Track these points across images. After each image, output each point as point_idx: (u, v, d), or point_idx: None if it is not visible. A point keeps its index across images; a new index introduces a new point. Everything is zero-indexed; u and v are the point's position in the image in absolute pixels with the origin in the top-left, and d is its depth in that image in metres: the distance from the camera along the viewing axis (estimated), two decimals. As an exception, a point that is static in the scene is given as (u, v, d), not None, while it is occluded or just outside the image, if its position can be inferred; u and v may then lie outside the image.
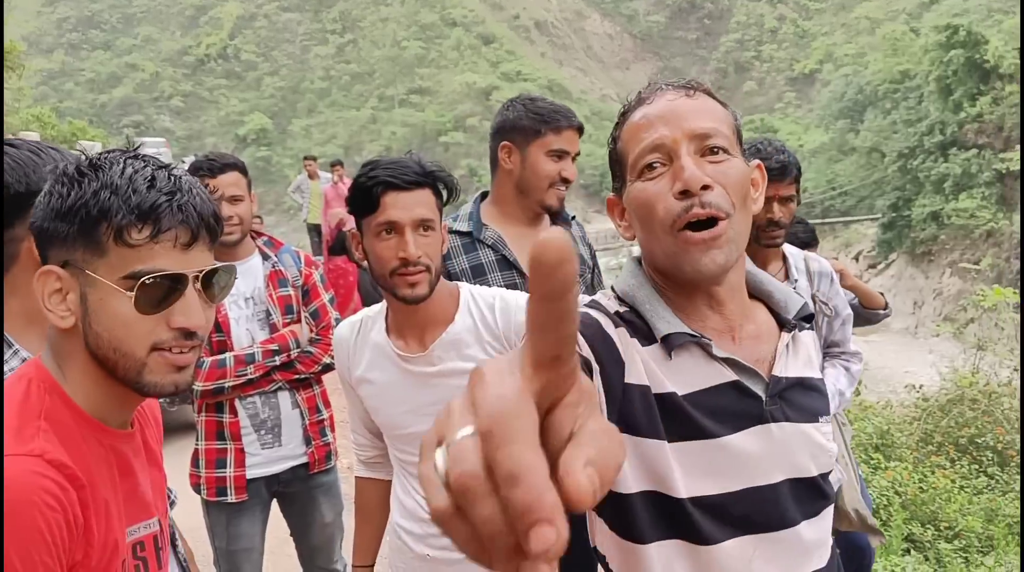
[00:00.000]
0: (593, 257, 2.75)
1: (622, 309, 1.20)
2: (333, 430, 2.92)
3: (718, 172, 1.11)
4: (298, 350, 2.75)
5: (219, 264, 1.18)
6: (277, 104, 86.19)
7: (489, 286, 2.02)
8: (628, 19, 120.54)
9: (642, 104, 1.18)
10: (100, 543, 1.07)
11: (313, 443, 2.79)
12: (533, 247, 0.42)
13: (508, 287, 2.23)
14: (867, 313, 3.36)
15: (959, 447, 8.56)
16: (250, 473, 2.71)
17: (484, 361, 0.48)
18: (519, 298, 1.89)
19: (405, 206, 1.72)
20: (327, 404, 2.91)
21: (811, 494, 1.18)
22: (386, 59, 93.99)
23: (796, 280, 2.75)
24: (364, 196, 1.73)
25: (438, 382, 1.83)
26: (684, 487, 1.11)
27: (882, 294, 3.36)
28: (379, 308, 1.95)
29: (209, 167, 2.67)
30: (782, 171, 2.58)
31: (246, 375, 2.65)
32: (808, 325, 1.28)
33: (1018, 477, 7.78)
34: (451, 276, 2.37)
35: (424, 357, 1.83)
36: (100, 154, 1.12)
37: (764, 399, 1.16)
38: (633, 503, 1.13)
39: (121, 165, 1.09)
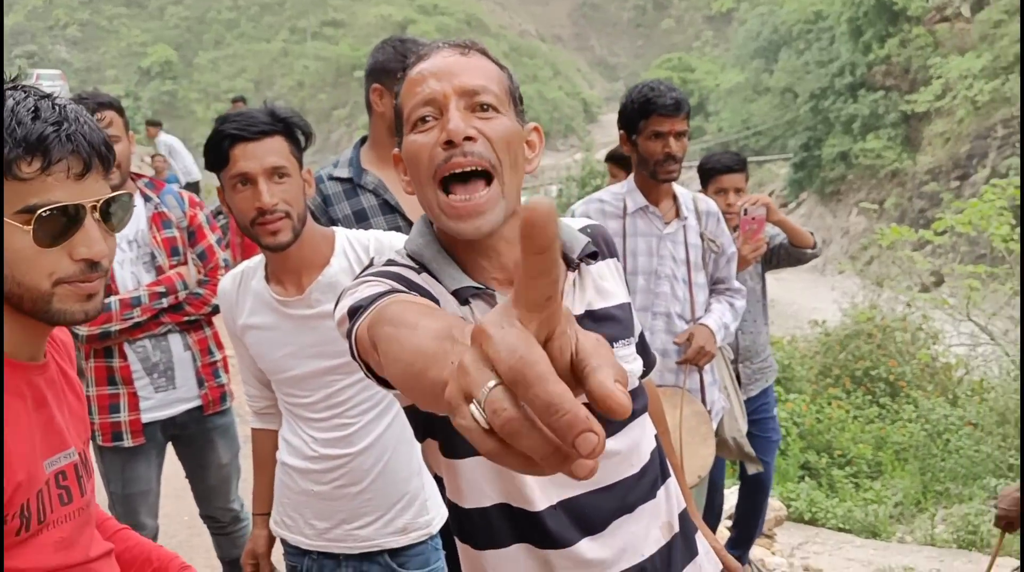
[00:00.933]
0: None
1: (403, 270, 1.23)
2: (227, 372, 2.92)
3: (484, 126, 1.16)
4: (186, 292, 2.73)
5: (116, 193, 1.17)
6: (182, 35, 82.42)
7: (370, 228, 2.08)
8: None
9: (420, 61, 1.22)
10: (26, 484, 1.09)
11: (206, 385, 2.80)
12: (524, 210, 0.52)
13: (392, 229, 2.25)
14: (796, 252, 3.39)
15: (855, 379, 8.97)
16: (145, 417, 2.70)
17: (478, 321, 0.57)
18: (394, 239, 1.93)
19: (255, 156, 1.75)
20: (220, 346, 2.91)
21: None
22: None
23: (686, 218, 2.80)
24: (215, 151, 1.77)
25: (317, 324, 1.88)
26: None
27: (812, 233, 3.39)
28: (260, 258, 1.98)
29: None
30: (676, 106, 2.68)
31: (132, 318, 2.63)
32: (594, 260, 1.33)
33: (908, 407, 8.19)
34: (333, 222, 2.38)
35: (302, 300, 1.89)
36: None
37: None
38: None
39: (14, 104, 1.07)
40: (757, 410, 3.57)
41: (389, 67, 2.37)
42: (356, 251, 1.93)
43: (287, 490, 2.00)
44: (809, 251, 3.33)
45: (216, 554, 3.15)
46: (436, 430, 1.24)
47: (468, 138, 1.14)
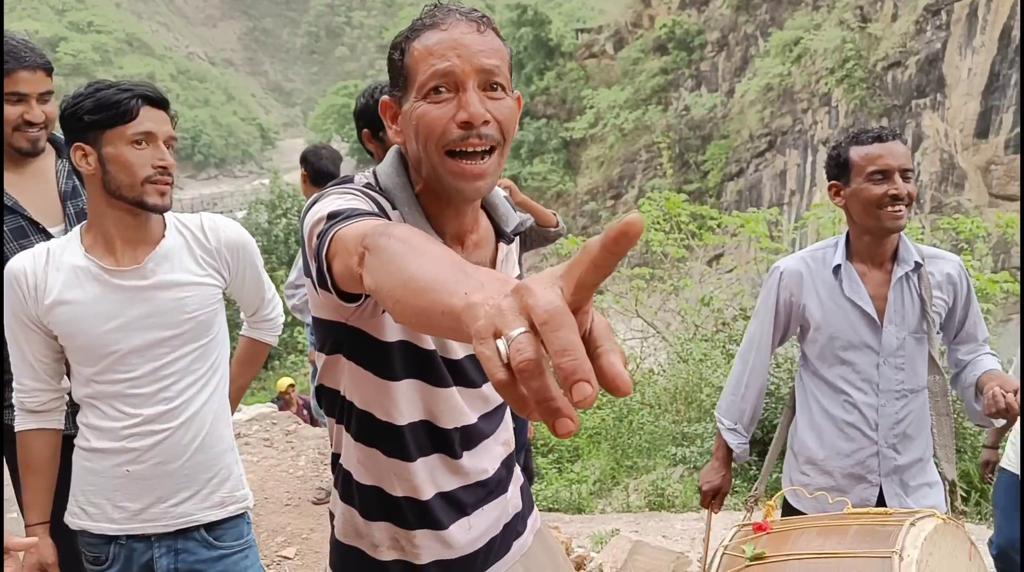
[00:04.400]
0: None
1: (381, 200, 1.33)
2: None
3: (495, 108, 1.27)
4: None
5: None
6: None
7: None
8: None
9: (436, 28, 1.28)
10: None
11: None
12: (626, 221, 0.63)
13: (13, 232, 2.21)
14: (543, 231, 3.51)
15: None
16: None
17: (526, 280, 0.67)
18: (221, 218, 2.05)
19: (161, 120, 1.86)
20: None
21: None
22: (-87, -4, 78.74)
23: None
24: (116, 107, 1.79)
25: (151, 296, 1.90)
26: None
27: (555, 214, 3.46)
28: (64, 238, 1.95)
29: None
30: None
31: None
32: (515, 237, 1.51)
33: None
34: None
35: (137, 270, 1.89)
36: None
37: None
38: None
39: None
40: None
41: None
42: (190, 229, 1.98)
43: (92, 477, 1.94)
44: (553, 230, 3.40)
45: None
46: (368, 353, 1.36)
47: (485, 122, 1.25)
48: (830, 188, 2.40)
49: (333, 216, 1.14)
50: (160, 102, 1.87)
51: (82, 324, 1.87)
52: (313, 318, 1.41)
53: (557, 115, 41.52)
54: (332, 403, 1.46)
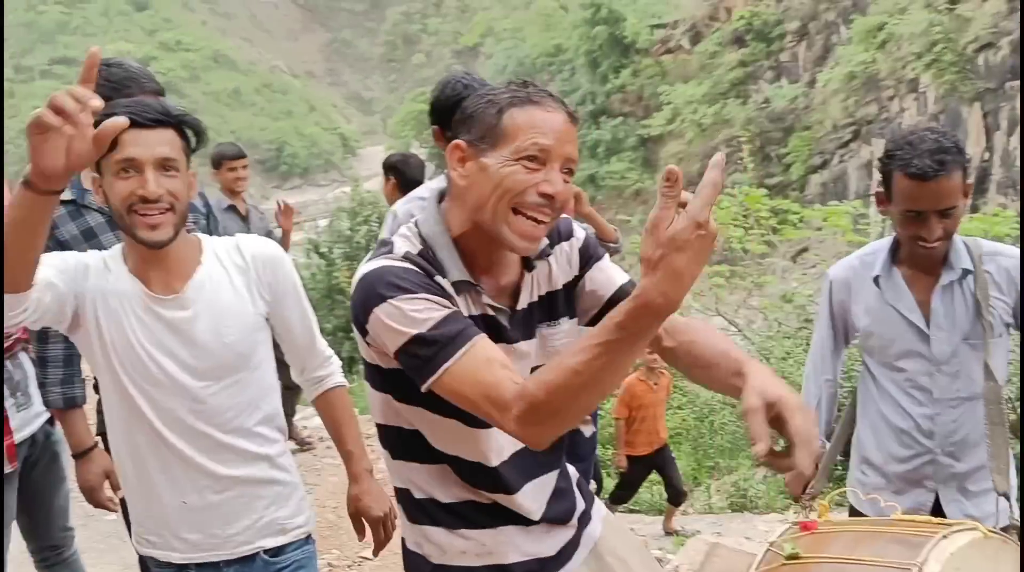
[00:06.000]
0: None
1: (423, 248, 1.54)
2: None
3: (566, 190, 1.49)
4: None
5: None
6: None
7: (103, 249, 1.95)
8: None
9: (539, 106, 1.48)
10: None
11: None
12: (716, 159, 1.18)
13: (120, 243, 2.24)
14: (603, 245, 3.52)
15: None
16: (16, 437, 2.60)
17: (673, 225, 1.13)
18: (254, 237, 1.98)
19: (146, 143, 1.70)
20: None
21: None
22: (20, 26, 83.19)
23: None
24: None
25: (188, 326, 1.81)
26: None
27: (616, 230, 3.51)
28: (108, 253, 1.87)
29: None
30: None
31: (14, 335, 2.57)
32: (550, 253, 1.66)
33: (676, 395, 8.99)
34: (61, 244, 2.34)
35: (176, 301, 1.81)
36: None
37: (507, 327, 1.58)
38: None
39: None
40: None
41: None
42: (230, 255, 1.90)
43: (152, 505, 1.91)
44: (612, 245, 3.42)
45: None
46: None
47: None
48: (876, 194, 2.30)
49: (423, 342, 1.40)
50: (154, 122, 1.71)
51: (121, 340, 1.81)
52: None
53: (634, 113, 41.13)
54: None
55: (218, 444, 1.88)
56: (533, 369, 1.59)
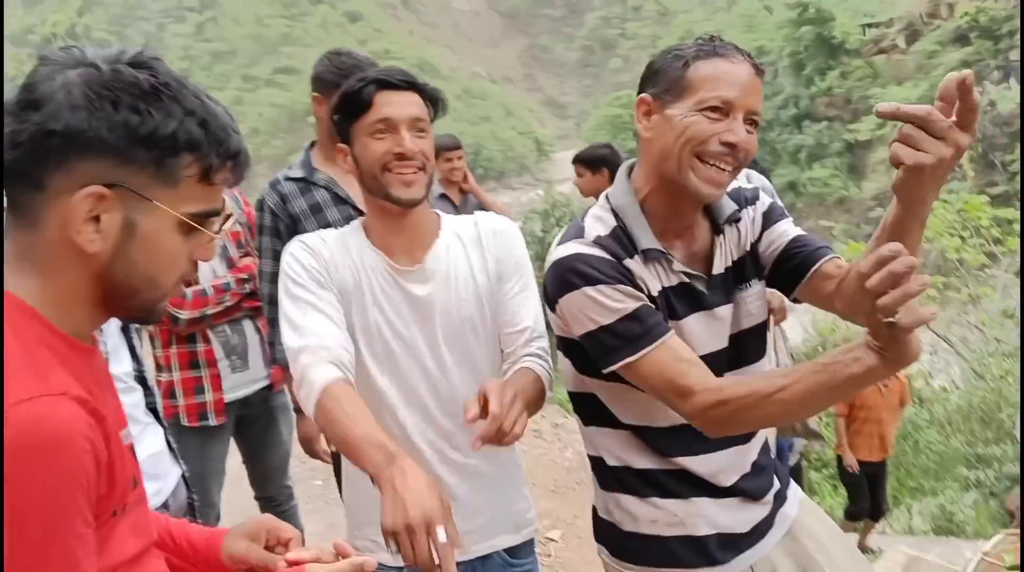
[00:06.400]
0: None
1: (616, 223, 1.58)
2: None
3: (748, 140, 1.50)
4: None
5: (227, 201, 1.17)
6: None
7: (328, 222, 2.03)
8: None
9: (725, 58, 1.51)
10: (121, 475, 1.02)
11: (273, 365, 2.95)
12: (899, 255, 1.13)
13: (345, 220, 2.37)
14: None
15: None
16: (226, 397, 2.87)
17: None
18: (490, 213, 1.96)
19: (399, 104, 1.73)
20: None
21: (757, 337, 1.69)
22: (249, 37, 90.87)
23: None
24: (355, 98, 1.73)
25: (428, 298, 1.77)
26: None
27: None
28: (344, 229, 1.86)
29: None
30: None
31: (224, 303, 2.82)
32: (739, 218, 1.66)
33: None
34: (292, 217, 2.55)
35: (416, 272, 1.78)
36: (151, 70, 1.01)
37: (706, 293, 1.60)
38: None
39: (191, 91, 1.02)
40: None
41: (324, 78, 2.61)
42: (467, 230, 1.86)
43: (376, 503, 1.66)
44: None
45: None
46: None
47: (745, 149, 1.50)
48: None
49: (610, 332, 1.47)
50: (402, 84, 1.74)
51: (360, 313, 1.77)
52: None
53: (840, 116, 39.14)
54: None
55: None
56: (731, 336, 1.63)
